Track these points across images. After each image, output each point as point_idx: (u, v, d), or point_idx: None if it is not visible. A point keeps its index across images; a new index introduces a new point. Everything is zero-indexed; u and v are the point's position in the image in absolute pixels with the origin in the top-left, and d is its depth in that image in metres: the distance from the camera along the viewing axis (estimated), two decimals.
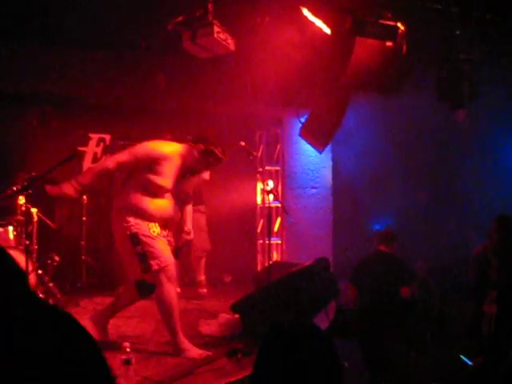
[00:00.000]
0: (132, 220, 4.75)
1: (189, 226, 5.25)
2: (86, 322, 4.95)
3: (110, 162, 4.97)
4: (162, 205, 4.88)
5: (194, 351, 4.83)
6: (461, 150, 8.54)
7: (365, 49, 6.17)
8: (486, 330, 4.86)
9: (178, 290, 6.95)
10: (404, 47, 6.20)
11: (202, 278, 7.62)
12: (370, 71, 6.34)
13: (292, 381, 1.70)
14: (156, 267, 4.71)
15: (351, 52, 6.27)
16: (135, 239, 4.73)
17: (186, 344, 4.86)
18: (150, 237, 4.76)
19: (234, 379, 4.24)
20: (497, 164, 8.53)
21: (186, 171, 4.99)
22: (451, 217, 8.39)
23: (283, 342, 1.76)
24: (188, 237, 5.25)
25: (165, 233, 4.91)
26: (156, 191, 4.85)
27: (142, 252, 4.71)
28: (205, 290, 7.53)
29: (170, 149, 4.94)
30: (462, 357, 4.05)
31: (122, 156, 4.95)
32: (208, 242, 7.73)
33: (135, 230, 4.74)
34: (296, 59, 6.58)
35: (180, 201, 5.08)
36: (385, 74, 6.36)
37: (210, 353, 4.84)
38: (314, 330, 1.83)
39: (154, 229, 4.81)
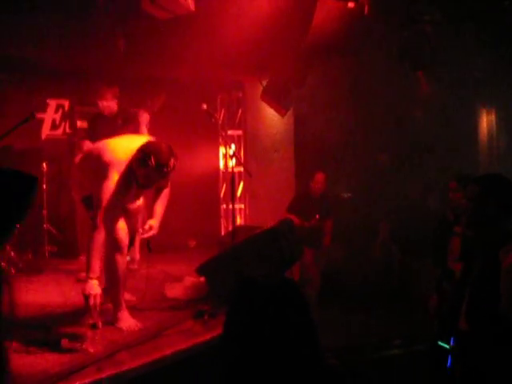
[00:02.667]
0: None
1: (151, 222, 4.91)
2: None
3: None
4: None
5: (126, 322, 4.63)
6: (420, 110, 8.63)
7: (326, 9, 6.15)
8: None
9: (138, 256, 6.90)
10: (366, 8, 6.20)
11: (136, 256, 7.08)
12: (331, 32, 6.33)
13: (266, 333, 1.67)
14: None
15: (313, 13, 6.24)
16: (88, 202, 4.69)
17: (122, 312, 4.68)
18: None
19: (200, 340, 4.27)
20: (453, 127, 8.64)
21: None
22: (413, 176, 8.50)
23: (255, 294, 1.74)
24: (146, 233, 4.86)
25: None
26: None
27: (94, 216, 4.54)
28: (135, 267, 6.93)
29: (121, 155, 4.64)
30: (440, 343, 4.08)
31: None
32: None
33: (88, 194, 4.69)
34: (257, 21, 6.50)
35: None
36: (346, 35, 6.36)
37: (141, 325, 4.62)
38: (287, 282, 1.81)
39: None
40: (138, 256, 7.08)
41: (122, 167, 4.53)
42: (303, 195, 7.85)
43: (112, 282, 4.72)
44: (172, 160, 4.46)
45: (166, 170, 4.47)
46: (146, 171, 4.46)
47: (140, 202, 5.01)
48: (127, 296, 5.09)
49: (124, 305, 4.73)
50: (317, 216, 7.47)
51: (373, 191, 8.72)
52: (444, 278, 5.09)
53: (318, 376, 1.71)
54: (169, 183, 5.06)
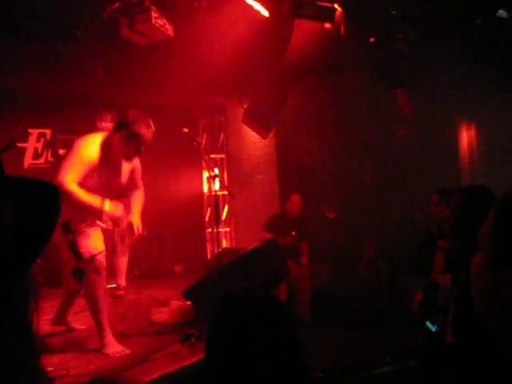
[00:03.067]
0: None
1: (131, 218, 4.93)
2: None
3: None
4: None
5: (113, 347, 4.60)
6: (402, 127, 8.70)
7: (303, 31, 6.23)
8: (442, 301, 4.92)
9: (124, 283, 6.83)
10: (342, 28, 6.28)
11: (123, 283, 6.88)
12: (309, 53, 6.40)
13: (248, 348, 1.65)
14: (86, 255, 4.60)
15: (290, 35, 6.32)
16: (67, 227, 4.61)
17: (108, 338, 4.64)
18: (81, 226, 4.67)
19: (187, 363, 4.24)
20: (434, 142, 8.71)
21: (116, 162, 4.82)
22: (396, 193, 8.54)
23: (237, 309, 1.72)
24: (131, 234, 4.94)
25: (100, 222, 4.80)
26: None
27: (72, 240, 4.60)
28: (122, 292, 6.92)
29: (92, 150, 4.68)
30: (428, 324, 4.08)
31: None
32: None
33: (67, 219, 4.60)
34: (235, 44, 6.57)
35: (120, 193, 4.97)
36: (324, 56, 6.43)
37: (128, 351, 4.60)
38: (270, 298, 1.79)
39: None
40: (123, 282, 7.02)
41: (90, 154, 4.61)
42: (279, 215, 7.90)
43: (93, 308, 4.66)
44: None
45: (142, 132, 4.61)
46: (122, 136, 4.61)
47: (120, 212, 4.84)
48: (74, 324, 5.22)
49: (109, 330, 4.68)
50: (293, 233, 7.50)
51: (357, 209, 8.74)
52: (428, 290, 5.09)
53: None
54: (141, 184, 5.21)
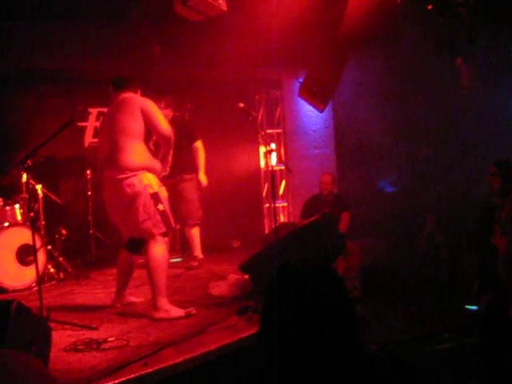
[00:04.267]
0: (151, 177, 4.84)
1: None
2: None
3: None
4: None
5: (176, 311, 4.82)
6: (463, 98, 8.44)
7: (359, 0, 6.10)
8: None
9: (200, 255, 7.27)
10: None
11: (198, 254, 7.37)
12: (365, 23, 6.27)
13: (303, 318, 1.65)
14: (174, 224, 5.00)
15: (346, 5, 6.20)
16: (157, 198, 4.82)
17: (167, 305, 4.85)
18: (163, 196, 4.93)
19: (244, 335, 4.26)
20: (499, 112, 8.43)
21: None
22: (456, 167, 8.32)
23: (293, 279, 1.71)
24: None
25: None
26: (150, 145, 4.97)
27: (164, 210, 4.82)
28: (196, 264, 7.29)
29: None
30: (467, 307, 4.01)
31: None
32: (199, 210, 7.39)
33: (156, 190, 4.84)
34: (291, 17, 6.49)
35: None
36: (381, 25, 6.29)
37: (193, 310, 4.84)
38: (327, 270, 1.77)
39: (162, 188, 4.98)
40: (200, 254, 7.25)
41: None
42: (314, 197, 7.81)
43: (158, 273, 4.80)
44: None
45: None
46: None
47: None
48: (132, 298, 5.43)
49: (167, 298, 4.87)
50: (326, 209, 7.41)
51: (417, 184, 8.57)
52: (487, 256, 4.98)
53: (358, 361, 1.68)
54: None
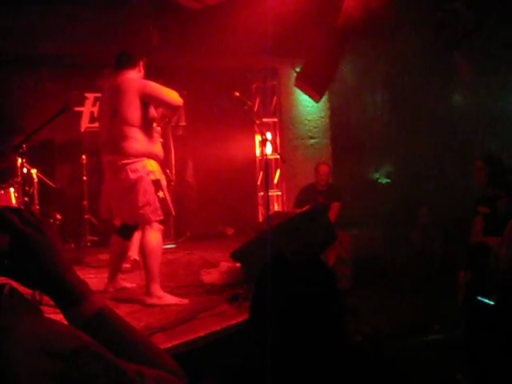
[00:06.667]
0: (154, 164, 4.90)
1: None
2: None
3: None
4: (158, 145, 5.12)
5: (169, 298, 4.89)
6: (460, 93, 8.48)
7: None
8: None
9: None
10: None
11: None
12: (363, 15, 6.29)
13: (291, 309, 1.66)
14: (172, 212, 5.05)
15: None
16: (158, 184, 4.89)
17: (160, 291, 4.90)
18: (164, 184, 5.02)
19: (234, 322, 4.32)
20: (496, 105, 8.45)
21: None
22: (450, 161, 8.37)
23: (284, 270, 1.72)
24: None
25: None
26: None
27: (164, 197, 4.89)
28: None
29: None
30: (479, 298, 4.04)
31: None
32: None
33: (158, 177, 4.91)
34: (289, 7, 6.50)
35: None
36: (378, 18, 6.30)
37: (185, 300, 4.90)
38: (318, 261, 1.79)
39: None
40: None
41: None
42: (308, 187, 7.84)
43: (152, 259, 4.86)
44: None
45: None
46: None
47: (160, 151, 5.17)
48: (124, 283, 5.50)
49: (159, 285, 4.91)
50: (319, 200, 7.44)
51: (411, 176, 8.62)
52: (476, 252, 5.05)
53: (342, 352, 1.72)
54: None
